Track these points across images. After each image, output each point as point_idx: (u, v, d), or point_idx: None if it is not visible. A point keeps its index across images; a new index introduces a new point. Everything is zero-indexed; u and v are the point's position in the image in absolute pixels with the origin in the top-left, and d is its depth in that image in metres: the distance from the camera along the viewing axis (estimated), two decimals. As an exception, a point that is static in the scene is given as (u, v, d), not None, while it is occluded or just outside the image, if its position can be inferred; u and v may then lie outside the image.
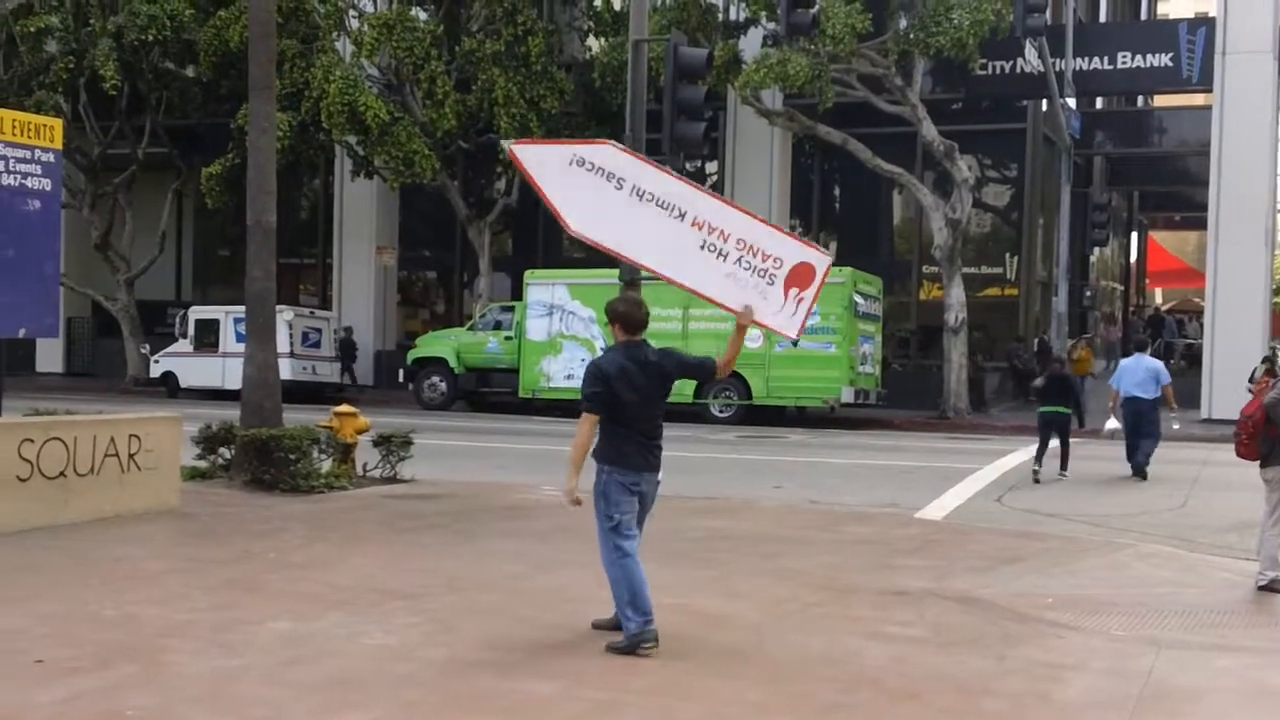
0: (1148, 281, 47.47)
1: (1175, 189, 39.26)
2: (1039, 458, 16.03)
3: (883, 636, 7.23)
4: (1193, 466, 17.96)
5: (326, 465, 13.26)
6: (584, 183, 7.19)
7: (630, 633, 6.66)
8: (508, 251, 32.55)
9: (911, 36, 24.90)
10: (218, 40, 27.69)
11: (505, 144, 7.44)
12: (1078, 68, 27.55)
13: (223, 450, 13.08)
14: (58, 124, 11.39)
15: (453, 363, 27.33)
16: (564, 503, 6.87)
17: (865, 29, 24.31)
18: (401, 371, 28.47)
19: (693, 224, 7.15)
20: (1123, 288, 42.96)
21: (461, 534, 10.47)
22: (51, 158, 11.09)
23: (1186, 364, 32.42)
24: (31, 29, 29.07)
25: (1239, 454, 9.24)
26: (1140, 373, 16.42)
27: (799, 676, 6.40)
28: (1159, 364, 16.93)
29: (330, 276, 33.39)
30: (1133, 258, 43.90)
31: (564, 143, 7.57)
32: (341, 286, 32.75)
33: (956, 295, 25.99)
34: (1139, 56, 28.10)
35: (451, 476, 14.26)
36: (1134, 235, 43.81)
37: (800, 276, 7.05)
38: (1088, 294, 33.00)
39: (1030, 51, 26.42)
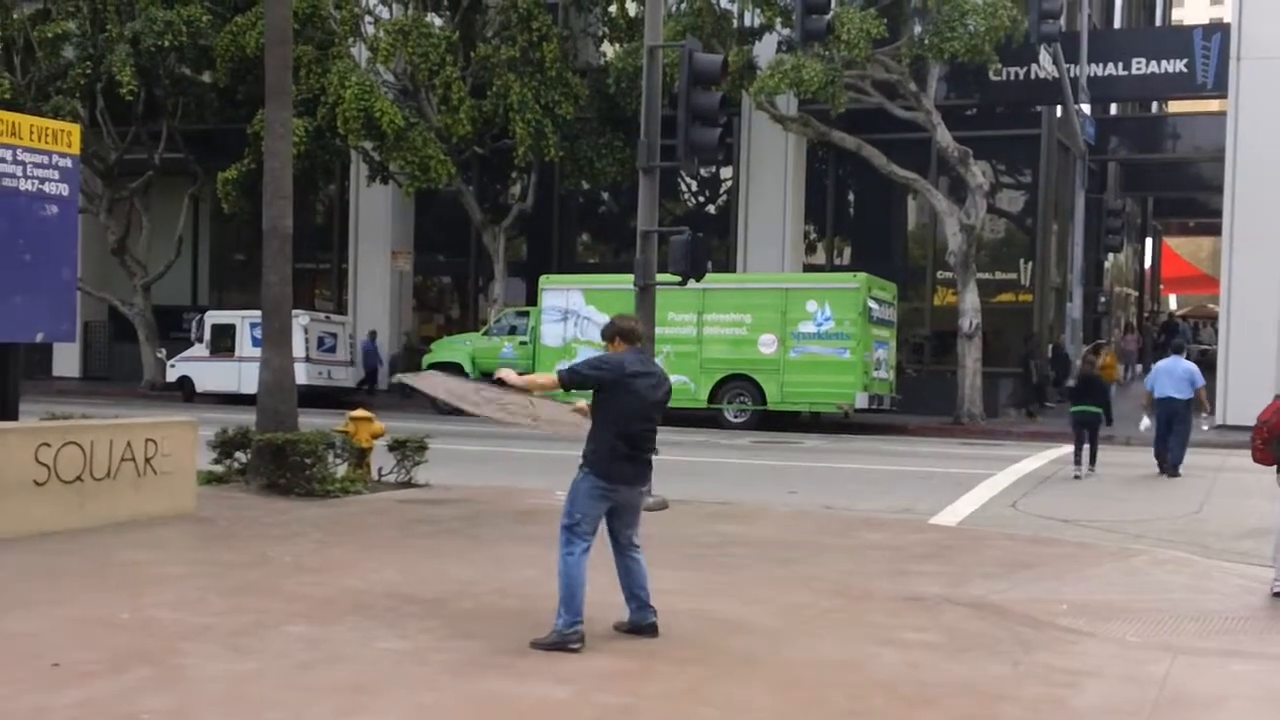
0: (1162, 287, 47.35)
1: (1190, 195, 39.15)
2: (1078, 459, 17.12)
3: (897, 642, 7.23)
4: (1208, 472, 17.91)
5: (342, 470, 13.31)
6: None
7: (558, 629, 6.78)
8: (522, 256, 32.59)
9: (926, 42, 24.87)
10: (234, 46, 27.79)
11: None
12: (1092, 74, 27.49)
13: (239, 454, 13.13)
14: (75, 129, 11.44)
15: (468, 368, 27.37)
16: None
17: (880, 34, 24.30)
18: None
19: None
20: (1137, 293, 42.84)
21: (476, 539, 10.49)
22: (69, 163, 11.15)
23: (1201, 370, 32.24)
24: (49, 34, 29.23)
25: (1255, 459, 9.23)
26: (1177, 374, 17.53)
27: (814, 682, 6.41)
28: (1194, 367, 18.01)
29: (346, 281, 33.46)
30: (1147, 263, 43.79)
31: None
32: (357, 291, 32.83)
33: (971, 301, 25.95)
34: (1153, 62, 28.03)
35: (466, 481, 14.29)
36: (1148, 241, 43.68)
37: None
38: (1102, 300, 32.92)
39: (1045, 57, 26.38)
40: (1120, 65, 28.25)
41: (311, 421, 14.26)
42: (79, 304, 15.85)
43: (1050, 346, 29.51)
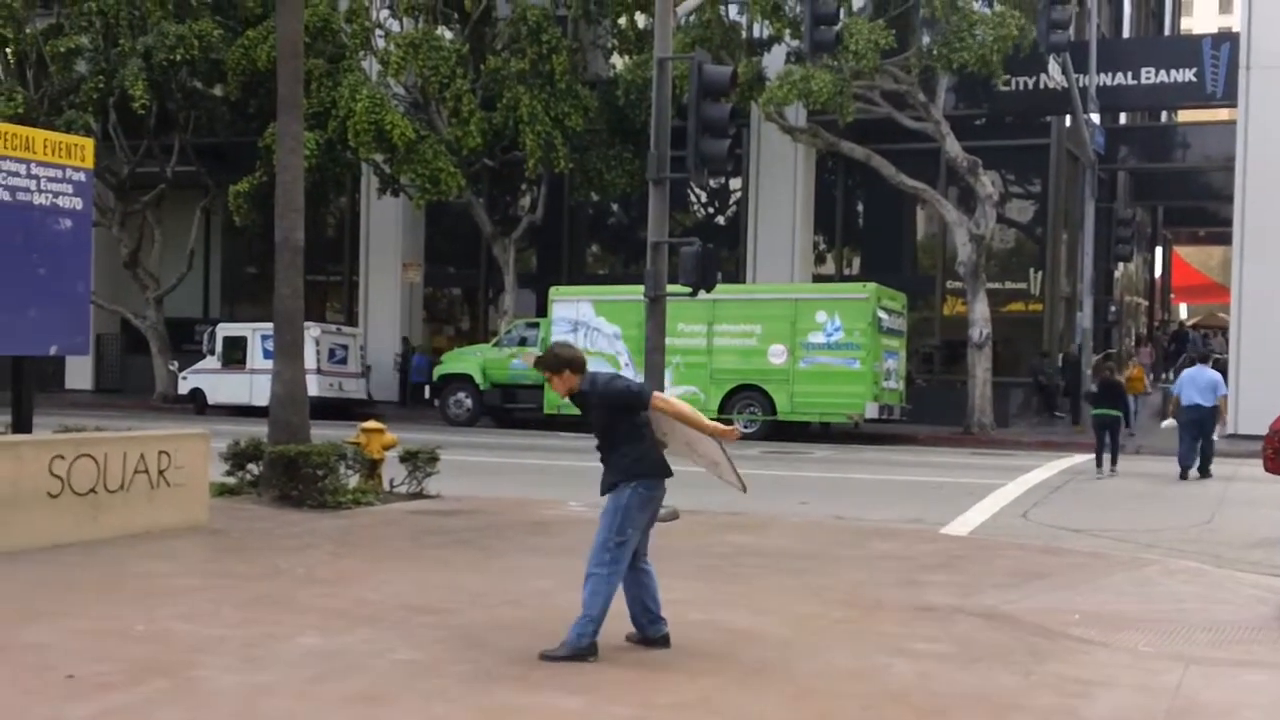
0: (1172, 296, 47.30)
1: (1199, 204, 39.16)
2: (1099, 460, 18.69)
3: (909, 652, 7.22)
4: (1219, 482, 17.89)
5: (354, 481, 13.34)
6: None
7: (572, 642, 6.76)
8: (532, 268, 32.67)
9: (935, 52, 24.91)
10: (245, 60, 27.92)
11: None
12: (1101, 83, 27.51)
13: (251, 466, 13.16)
14: (89, 143, 11.50)
15: (478, 379, 27.43)
16: (727, 432, 7.12)
17: (888, 45, 24.36)
18: (427, 388, 28.58)
19: None
20: (1147, 302, 42.80)
21: (488, 550, 10.50)
22: (83, 177, 11.20)
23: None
24: (62, 49, 29.42)
25: (1266, 469, 9.22)
26: (1202, 382, 18.66)
27: (826, 692, 6.41)
28: (1218, 375, 19.29)
29: (357, 293, 33.56)
30: (1157, 272, 43.75)
31: None
32: (368, 303, 32.92)
33: (981, 310, 25.95)
34: (1163, 72, 28.06)
35: (477, 492, 14.31)
36: (1158, 250, 43.65)
37: None
38: (1112, 309, 32.90)
39: (1054, 67, 26.42)
40: (1129, 75, 28.27)
41: (323, 433, 14.29)
42: (91, 317, 15.90)
43: (1060, 356, 29.51)
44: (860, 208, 31.93)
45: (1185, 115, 36.45)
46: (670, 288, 13.69)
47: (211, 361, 29.83)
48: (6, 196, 10.50)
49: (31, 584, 8.62)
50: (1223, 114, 31.76)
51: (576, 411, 7.28)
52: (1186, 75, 27.79)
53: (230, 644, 7.03)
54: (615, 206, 32.71)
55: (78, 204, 11.13)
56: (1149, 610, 8.71)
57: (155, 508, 10.77)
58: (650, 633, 7.11)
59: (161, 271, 32.62)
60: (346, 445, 13.45)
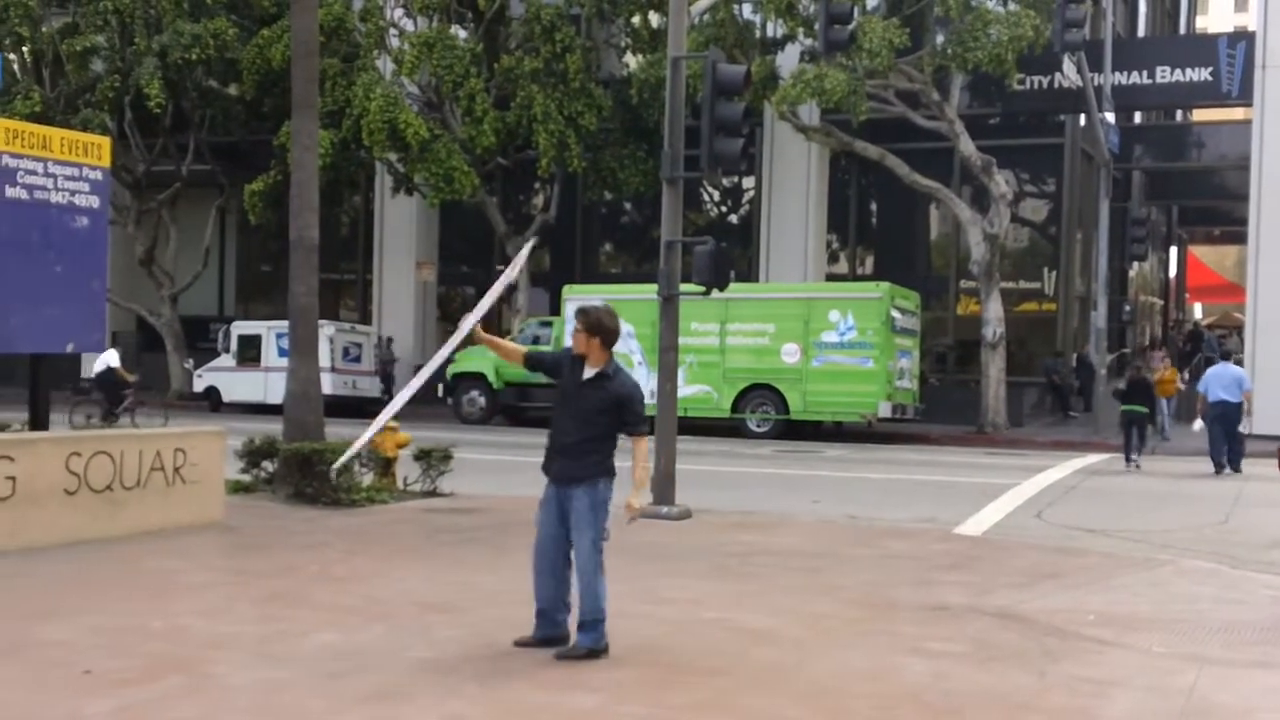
0: (1187, 296, 47.11)
1: (1215, 203, 39.00)
2: (1128, 455, 19.71)
3: (923, 652, 7.23)
4: (1235, 482, 17.85)
5: (368, 479, 13.40)
6: None
7: (588, 643, 6.79)
8: (546, 267, 32.68)
9: (949, 52, 24.86)
10: (260, 59, 28.00)
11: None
12: (1116, 82, 27.42)
13: (266, 464, 13.23)
14: (105, 142, 11.55)
15: (491, 378, 27.46)
16: (627, 519, 6.93)
17: (902, 44, 24.31)
18: (441, 386, 28.62)
19: None
20: (1162, 302, 42.66)
21: (501, 548, 10.52)
22: (99, 175, 11.25)
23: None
24: (78, 48, 29.54)
25: (1281, 469, 9.22)
26: (1226, 378, 19.33)
27: (840, 692, 6.42)
28: (1243, 371, 20.33)
29: (370, 292, 33.63)
30: (1172, 272, 43.59)
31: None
32: (382, 302, 32.99)
33: (994, 310, 25.90)
34: (1178, 71, 27.96)
35: (491, 491, 14.34)
36: (1173, 250, 43.49)
37: None
38: (1126, 309, 32.79)
39: (1069, 66, 26.34)
40: (1144, 74, 28.19)
41: (337, 431, 14.33)
42: (108, 315, 15.97)
43: (1074, 356, 29.43)
44: (874, 207, 31.89)
45: (1200, 114, 36.28)
46: (684, 287, 13.69)
47: (226, 359, 29.92)
48: (24, 195, 10.56)
49: (49, 580, 8.68)
50: (1238, 113, 31.63)
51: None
52: (1202, 74, 27.69)
53: (246, 640, 7.07)
54: (628, 205, 32.72)
55: (94, 202, 11.18)
56: (1163, 611, 8.70)
57: (171, 505, 10.83)
58: (563, 630, 7.02)
59: (177, 269, 32.73)
60: (361, 443, 13.48)
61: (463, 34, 28.65)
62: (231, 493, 12.29)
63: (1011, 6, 25.15)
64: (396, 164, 28.73)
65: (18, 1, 29.21)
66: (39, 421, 11.21)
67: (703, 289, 13.81)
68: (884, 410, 24.03)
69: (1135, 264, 34.36)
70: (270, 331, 28.77)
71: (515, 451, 20.52)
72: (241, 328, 30.31)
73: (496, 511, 12.66)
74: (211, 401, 29.77)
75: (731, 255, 27.40)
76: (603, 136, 28.36)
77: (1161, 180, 35.38)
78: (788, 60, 26.86)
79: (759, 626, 7.84)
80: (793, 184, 29.46)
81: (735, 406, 24.86)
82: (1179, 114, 36.43)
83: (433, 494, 13.54)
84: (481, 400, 27.60)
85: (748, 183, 31.00)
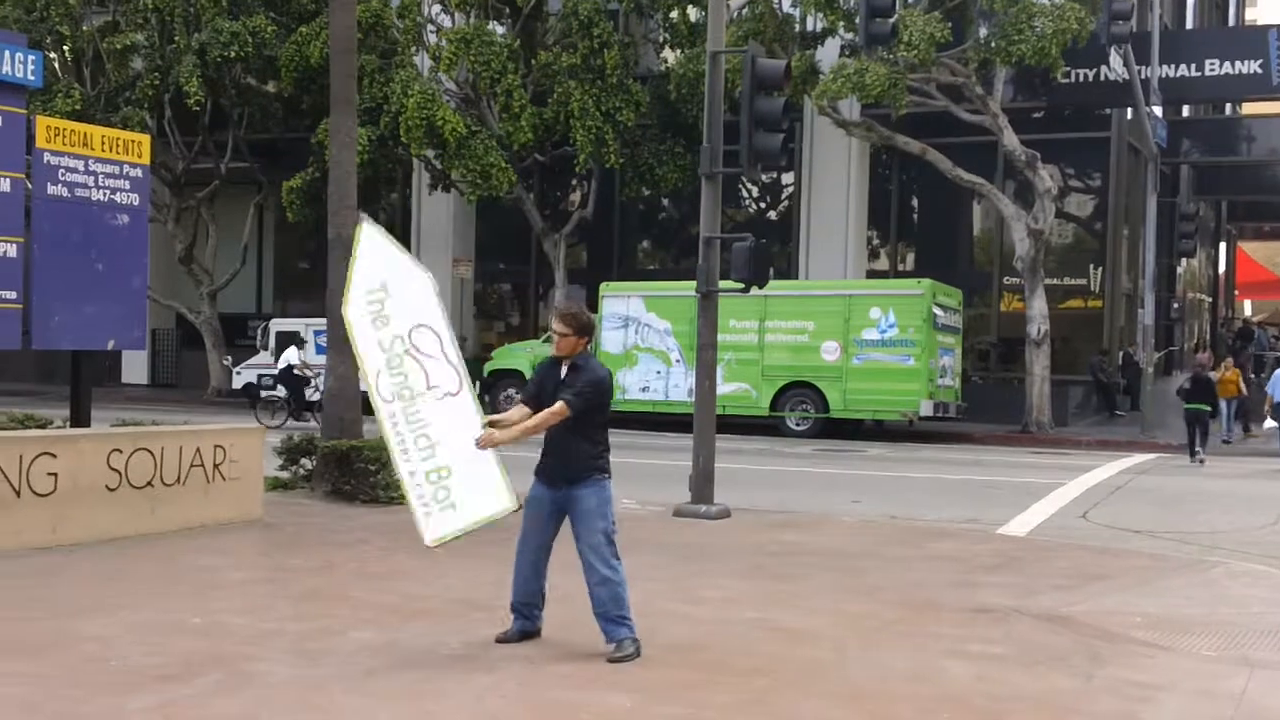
0: (1236, 293, 46.55)
1: (1265, 198, 38.46)
2: (1192, 449, 20.57)
3: (966, 654, 7.13)
4: (1284, 482, 17.59)
5: (406, 476, 13.35)
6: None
7: (629, 640, 6.77)
8: (583, 264, 32.65)
9: (992, 45, 24.61)
10: (298, 56, 28.09)
11: None
12: (1164, 75, 27.08)
13: (304, 461, 13.25)
14: (146, 140, 11.60)
15: (528, 375, 27.44)
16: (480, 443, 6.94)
17: (944, 38, 24.07)
18: (478, 383, 28.65)
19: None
20: (1211, 299, 42.17)
21: (540, 546, 10.47)
22: (139, 173, 11.31)
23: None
24: (118, 46, 29.75)
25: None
26: None
27: (881, 694, 6.33)
28: None
29: (408, 289, 33.65)
30: (1221, 269, 43.08)
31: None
32: (419, 299, 33.01)
33: (1039, 307, 25.64)
34: (1227, 63, 27.55)
35: (527, 489, 14.26)
36: (1222, 245, 42.98)
37: None
38: (1175, 306, 32.43)
39: (1115, 59, 26.03)
40: (1193, 66, 27.81)
41: (375, 429, 14.33)
42: (148, 312, 16.07)
43: (1121, 354, 29.13)
44: (915, 202, 31.66)
45: (1250, 107, 35.85)
46: (722, 283, 13.61)
47: (265, 356, 30.04)
48: (65, 193, 10.62)
49: (90, 577, 8.72)
50: (1288, 106, 31.26)
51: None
52: (1251, 67, 27.27)
53: (285, 637, 7.07)
54: (666, 202, 32.62)
55: (135, 200, 11.23)
56: (1212, 614, 8.55)
57: (210, 501, 10.87)
58: (537, 625, 7.13)
59: (216, 267, 32.91)
60: (399, 440, 13.47)
61: (500, 30, 28.65)
62: (270, 490, 12.34)
63: (1056, -1, 24.89)
64: (434, 161, 28.77)
65: (58, 0, 29.46)
66: (80, 418, 11.28)
67: (741, 286, 13.72)
68: (926, 409, 23.84)
69: (1183, 260, 34.00)
70: (308, 329, 28.87)
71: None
72: (280, 325, 30.42)
73: (535, 509, 12.60)
74: (250, 398, 29.89)
75: (770, 252, 27.40)
76: (640, 132, 28.29)
77: (1210, 175, 34.94)
78: (827, 54, 26.69)
79: (798, 627, 7.76)
80: (833, 179, 29.29)
81: (774, 405, 24.73)
82: (1228, 107, 36.01)
83: (471, 491, 13.48)
84: (518, 397, 27.57)
85: (787, 178, 30.84)
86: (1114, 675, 6.79)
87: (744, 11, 26.74)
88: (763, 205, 32.52)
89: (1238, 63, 27.44)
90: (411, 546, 10.27)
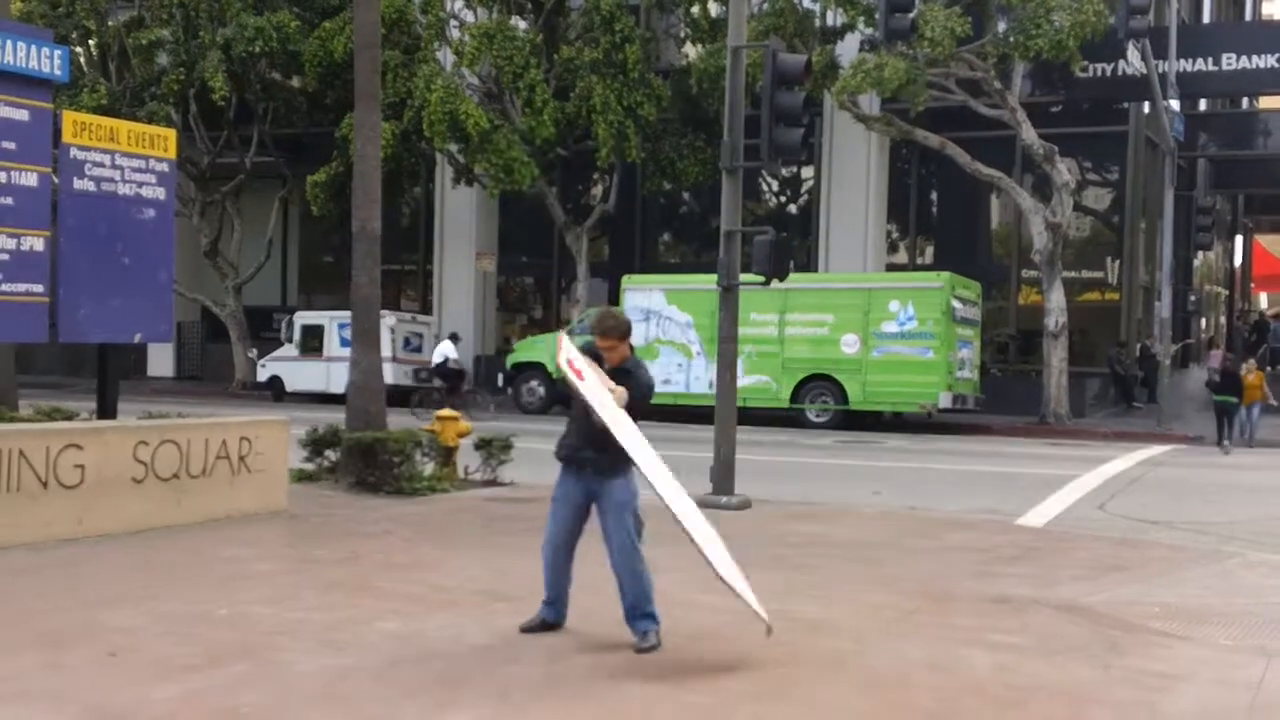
0: (1253, 286, 46.37)
1: (1281, 192, 38.31)
2: (1220, 439, 21.77)
3: (985, 644, 7.18)
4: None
5: (429, 468, 13.49)
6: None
7: (654, 631, 6.84)
8: (604, 257, 32.73)
9: (1011, 39, 24.59)
10: (323, 51, 28.23)
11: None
12: (1181, 69, 26.98)
13: (329, 453, 13.35)
14: (171, 134, 11.70)
15: (550, 368, 27.53)
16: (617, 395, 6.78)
17: (964, 33, 24.07)
18: (501, 376, 28.75)
19: None
20: (1227, 292, 42.01)
21: (561, 537, 10.55)
22: (166, 167, 11.41)
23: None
24: (143, 41, 29.94)
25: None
26: None
27: (901, 684, 6.39)
28: None
29: (431, 282, 33.84)
30: (1237, 262, 42.92)
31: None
32: (442, 292, 33.18)
33: (1056, 300, 25.62)
34: (1244, 58, 27.46)
35: (551, 480, 14.32)
36: (1238, 239, 42.81)
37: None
38: (1192, 298, 32.34)
39: (1133, 53, 25.96)
40: (1210, 60, 27.72)
41: (399, 421, 14.45)
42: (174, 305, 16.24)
43: (1138, 346, 29.06)
44: (934, 196, 31.63)
45: (1267, 101, 35.66)
46: (743, 277, 13.67)
47: (289, 349, 30.23)
48: (92, 187, 10.73)
49: (117, 567, 8.81)
50: (1306, 100, 31.10)
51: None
52: (1268, 61, 27.18)
53: (310, 627, 7.15)
54: (687, 195, 32.67)
55: (161, 194, 11.33)
56: (1230, 604, 8.59)
57: (236, 493, 10.97)
58: (562, 616, 7.22)
59: (240, 260, 33.11)
60: (422, 433, 13.61)
61: (522, 25, 28.73)
62: (295, 481, 12.42)
63: (1074, -7, 24.82)
64: (457, 155, 28.88)
65: (85, -4, 29.70)
66: (107, 410, 11.40)
67: (762, 279, 13.77)
68: (944, 401, 23.87)
69: (1200, 253, 33.86)
70: (332, 322, 29.04)
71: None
72: (304, 318, 30.60)
73: (556, 501, 12.69)
74: (275, 391, 30.09)
75: (791, 245, 27.43)
76: (662, 126, 28.34)
77: (1227, 168, 34.78)
78: (847, 49, 26.68)
79: (819, 617, 7.82)
80: (852, 173, 29.30)
81: (794, 397, 24.79)
82: (1245, 101, 35.84)
83: (493, 483, 13.61)
84: (541, 390, 27.67)
85: (807, 172, 30.85)
86: (1132, 665, 6.84)
87: (764, 6, 26.76)
88: (783, 199, 32.53)
89: (1255, 57, 27.35)
90: (435, 537, 10.41)
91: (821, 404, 24.73)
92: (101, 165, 10.78)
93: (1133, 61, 26.34)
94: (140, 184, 11.12)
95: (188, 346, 36.33)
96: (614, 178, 29.83)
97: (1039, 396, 25.97)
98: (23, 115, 10.09)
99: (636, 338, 28.50)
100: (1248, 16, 40.58)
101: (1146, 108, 27.72)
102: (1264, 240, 46.68)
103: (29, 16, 28.38)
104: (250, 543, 9.97)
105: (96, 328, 10.92)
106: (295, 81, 30.78)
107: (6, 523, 9.16)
